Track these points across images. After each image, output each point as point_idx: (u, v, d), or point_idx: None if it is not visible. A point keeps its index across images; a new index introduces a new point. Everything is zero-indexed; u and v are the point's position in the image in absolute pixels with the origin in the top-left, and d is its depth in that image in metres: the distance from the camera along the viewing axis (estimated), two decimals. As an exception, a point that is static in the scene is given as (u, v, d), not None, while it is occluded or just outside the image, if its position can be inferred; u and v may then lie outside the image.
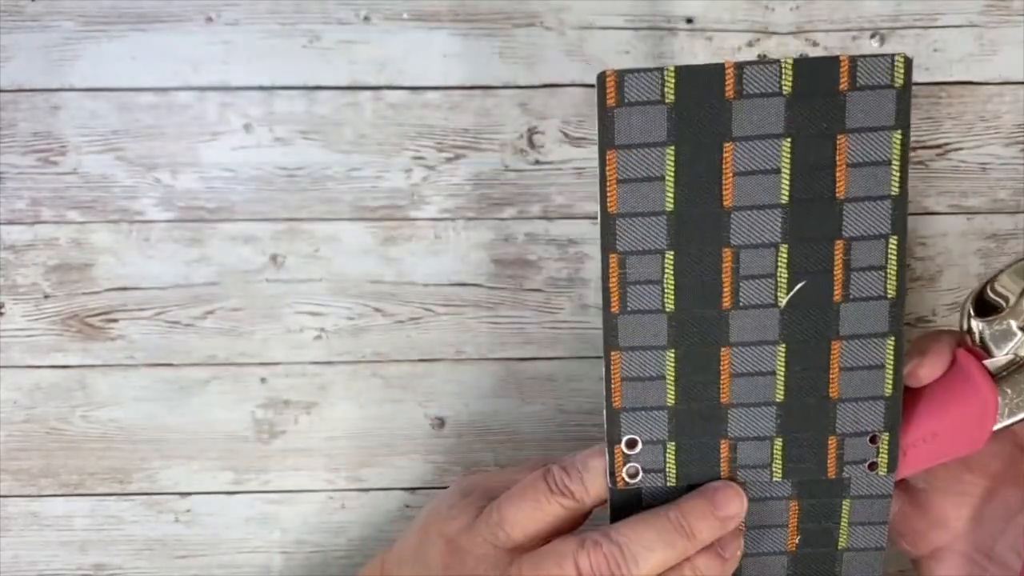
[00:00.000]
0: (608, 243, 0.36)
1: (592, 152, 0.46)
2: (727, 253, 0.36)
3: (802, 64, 0.34)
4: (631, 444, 0.38)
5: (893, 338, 0.37)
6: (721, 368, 0.37)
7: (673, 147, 0.35)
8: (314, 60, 0.45)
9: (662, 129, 0.35)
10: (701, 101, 0.35)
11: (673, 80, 0.35)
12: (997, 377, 0.37)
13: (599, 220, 0.36)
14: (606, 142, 0.35)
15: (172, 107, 0.45)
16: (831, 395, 0.37)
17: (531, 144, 0.46)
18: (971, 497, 0.40)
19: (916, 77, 0.45)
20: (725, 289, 0.36)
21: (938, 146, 0.46)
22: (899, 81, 0.34)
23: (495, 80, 0.46)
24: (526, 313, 0.47)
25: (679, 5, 0.45)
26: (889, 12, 0.45)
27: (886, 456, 0.38)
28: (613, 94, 0.35)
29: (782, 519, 0.39)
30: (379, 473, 0.48)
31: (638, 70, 0.35)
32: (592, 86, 0.45)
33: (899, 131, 0.35)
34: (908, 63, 0.34)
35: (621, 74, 0.35)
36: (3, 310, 0.47)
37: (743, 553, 0.39)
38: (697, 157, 0.35)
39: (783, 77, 0.35)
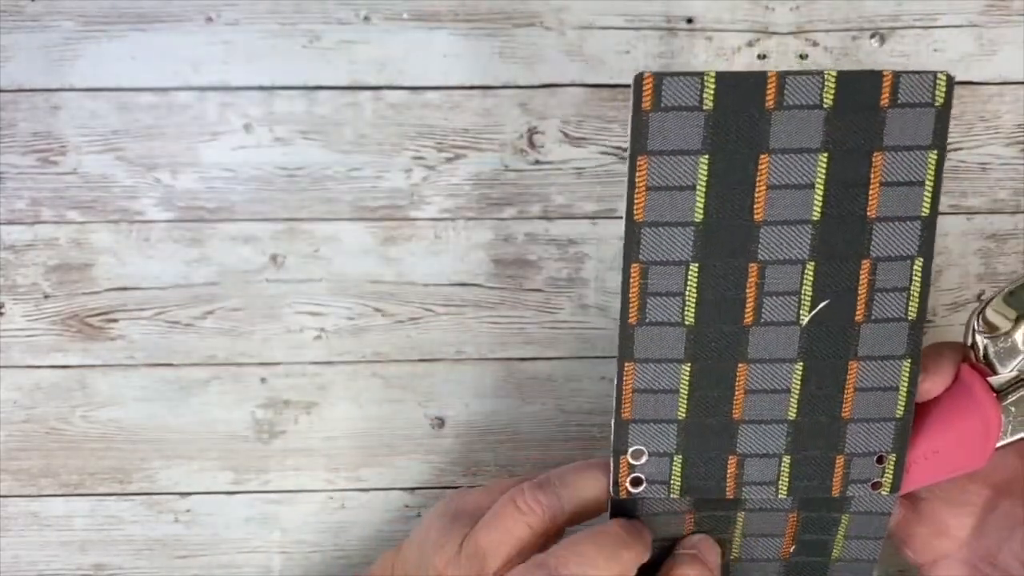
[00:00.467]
0: (631, 252, 0.35)
1: (592, 152, 0.46)
2: (753, 268, 0.35)
3: (846, 77, 0.33)
4: (637, 455, 0.37)
5: (910, 360, 0.36)
6: (736, 384, 0.36)
7: (707, 156, 0.34)
8: (314, 60, 0.45)
9: (697, 137, 0.33)
10: (740, 110, 0.33)
11: (713, 87, 0.33)
12: (1001, 394, 0.37)
13: (624, 228, 0.35)
14: (638, 147, 0.33)
15: (172, 107, 0.45)
16: (844, 415, 0.37)
17: (531, 144, 0.46)
18: (974, 507, 0.39)
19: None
20: (748, 305, 0.35)
21: (938, 146, 0.46)
22: (940, 100, 0.33)
23: (495, 80, 0.46)
24: (526, 313, 0.47)
25: (679, 5, 0.45)
26: (889, 12, 0.45)
27: (891, 476, 0.37)
28: (649, 97, 0.33)
29: (780, 529, 0.39)
30: (379, 473, 0.48)
31: (677, 73, 0.33)
32: (592, 86, 0.46)
33: (935, 151, 0.34)
34: (950, 81, 0.33)
35: (659, 77, 0.33)
36: (3, 310, 0.47)
37: (737, 558, 0.39)
38: (731, 168, 0.34)
39: (825, 89, 0.33)
